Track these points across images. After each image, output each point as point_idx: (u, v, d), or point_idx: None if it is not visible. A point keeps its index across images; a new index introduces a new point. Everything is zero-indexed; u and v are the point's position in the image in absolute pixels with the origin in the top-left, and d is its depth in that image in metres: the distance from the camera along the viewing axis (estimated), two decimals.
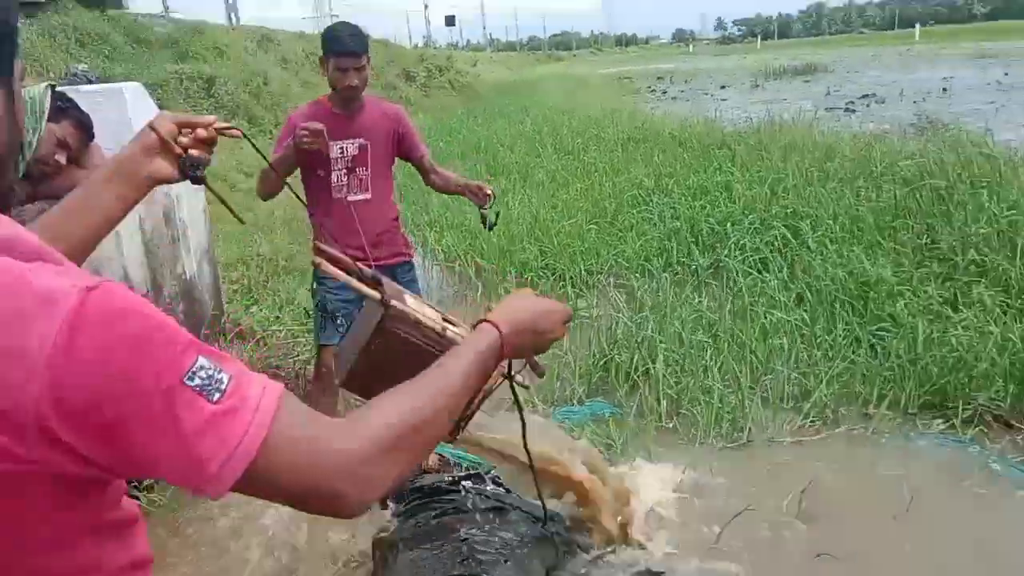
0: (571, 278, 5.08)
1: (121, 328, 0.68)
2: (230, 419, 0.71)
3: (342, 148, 2.99)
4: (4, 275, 0.65)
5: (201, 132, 1.21)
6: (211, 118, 1.23)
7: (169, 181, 1.20)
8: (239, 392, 0.72)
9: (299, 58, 16.28)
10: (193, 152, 1.18)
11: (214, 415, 0.70)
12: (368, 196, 3.03)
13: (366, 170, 3.02)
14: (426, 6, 57.82)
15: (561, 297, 4.87)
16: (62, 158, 2.43)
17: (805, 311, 4.10)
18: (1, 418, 0.62)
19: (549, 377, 3.78)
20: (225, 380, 0.72)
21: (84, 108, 3.18)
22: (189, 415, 0.69)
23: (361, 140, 2.99)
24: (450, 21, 67.94)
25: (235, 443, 0.71)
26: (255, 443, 0.72)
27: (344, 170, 3.01)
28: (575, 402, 3.57)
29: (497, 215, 3.13)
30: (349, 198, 3.02)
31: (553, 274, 5.27)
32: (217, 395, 0.71)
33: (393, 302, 1.18)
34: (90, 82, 8.36)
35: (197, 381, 0.70)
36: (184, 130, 1.20)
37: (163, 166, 1.18)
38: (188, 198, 3.58)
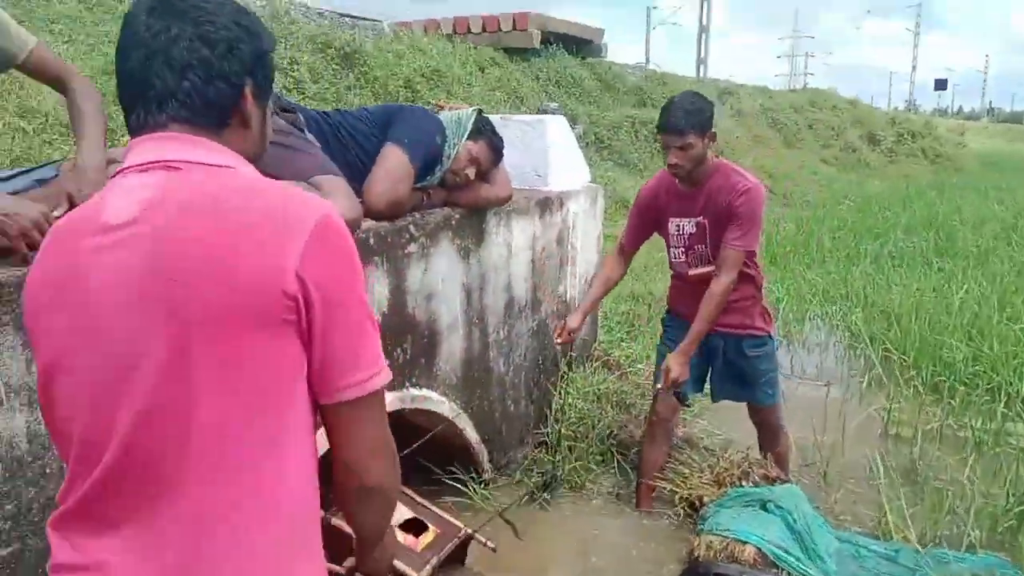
0: (1008, 394, 4.06)
1: (351, 248, 1.00)
2: (382, 354, 1.04)
3: (679, 226, 2.92)
4: (275, 189, 0.99)
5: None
6: None
7: None
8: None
9: (755, 111, 16.23)
10: None
11: (379, 342, 1.03)
12: (710, 269, 2.85)
13: (705, 247, 2.88)
14: (913, 68, 52.84)
15: (987, 414, 3.93)
16: (471, 172, 2.73)
17: None
18: (281, 282, 0.91)
19: (936, 505, 3.06)
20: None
21: (515, 134, 3.58)
22: (371, 326, 1.01)
23: (699, 219, 2.84)
24: (940, 85, 61.06)
25: (382, 366, 1.02)
26: (387, 379, 1.03)
27: (682, 247, 2.94)
28: (961, 547, 2.81)
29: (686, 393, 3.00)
30: (690, 272, 2.93)
31: (985, 384, 4.28)
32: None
33: None
34: None
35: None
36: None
37: None
38: (584, 225, 3.76)
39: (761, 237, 2.95)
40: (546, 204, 3.42)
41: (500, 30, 11.52)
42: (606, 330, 4.43)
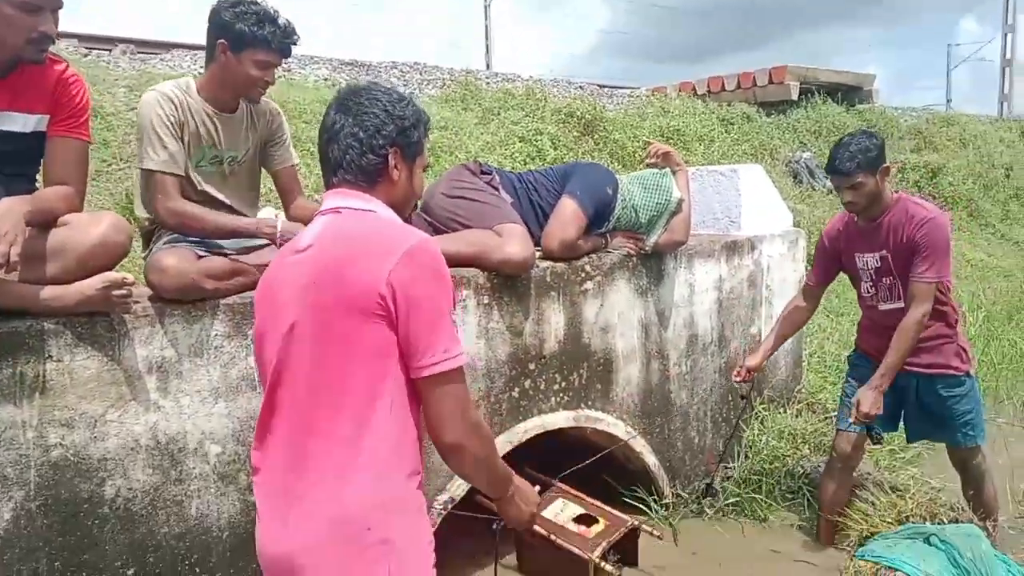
0: None
1: (434, 265, 1.40)
2: (457, 345, 1.40)
3: (864, 261, 2.95)
4: (393, 225, 1.47)
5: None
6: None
7: None
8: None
9: None
10: None
11: (453, 336, 1.40)
12: (900, 304, 2.85)
13: (892, 279, 2.87)
14: None
15: None
16: None
17: None
18: (378, 286, 1.34)
19: None
20: (457, 327, 1.45)
21: (709, 183, 3.86)
22: (446, 325, 1.39)
23: (881, 252, 2.86)
24: None
25: (456, 352, 1.39)
26: (461, 362, 1.39)
27: (869, 282, 2.96)
28: None
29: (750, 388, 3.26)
30: (880, 307, 2.95)
31: None
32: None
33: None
34: (808, 168, 9.26)
35: (454, 318, 1.43)
36: None
37: None
38: (781, 267, 3.86)
39: (951, 270, 2.87)
40: (734, 247, 3.61)
41: (756, 85, 11.53)
42: (815, 372, 4.37)
